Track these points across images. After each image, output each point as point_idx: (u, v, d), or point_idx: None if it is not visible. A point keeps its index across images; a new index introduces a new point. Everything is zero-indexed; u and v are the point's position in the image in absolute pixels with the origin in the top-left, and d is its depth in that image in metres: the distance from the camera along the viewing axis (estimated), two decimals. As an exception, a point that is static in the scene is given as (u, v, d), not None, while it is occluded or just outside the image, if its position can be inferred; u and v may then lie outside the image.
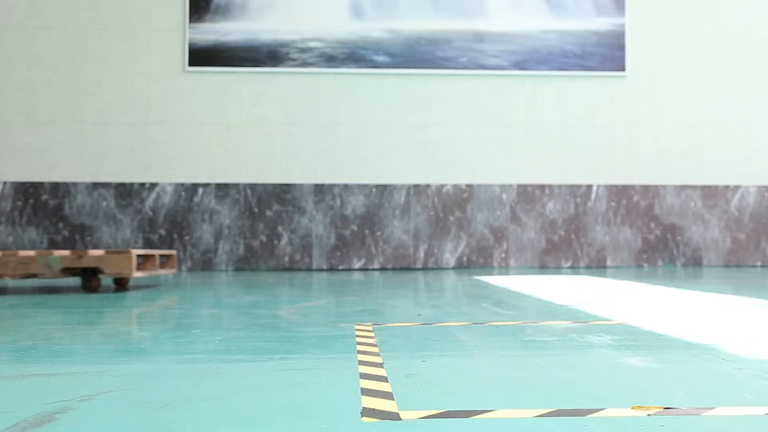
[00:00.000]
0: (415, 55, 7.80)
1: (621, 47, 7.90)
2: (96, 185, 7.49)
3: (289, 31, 7.73)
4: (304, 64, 7.70)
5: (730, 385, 1.48)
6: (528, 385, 1.48)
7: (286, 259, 7.56)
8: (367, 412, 1.25)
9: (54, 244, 7.41)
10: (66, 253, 4.05)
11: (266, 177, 7.61)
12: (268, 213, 7.56)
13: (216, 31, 7.65)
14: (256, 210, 7.55)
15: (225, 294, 4.01)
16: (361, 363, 1.74)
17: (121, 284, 4.48)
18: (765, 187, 7.97)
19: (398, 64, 7.79)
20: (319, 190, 7.60)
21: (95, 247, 7.44)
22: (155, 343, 2.10)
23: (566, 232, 7.81)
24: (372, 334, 2.29)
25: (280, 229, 7.57)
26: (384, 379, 1.55)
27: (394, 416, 1.21)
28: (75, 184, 7.47)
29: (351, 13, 7.78)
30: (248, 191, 7.55)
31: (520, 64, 7.87)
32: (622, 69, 7.90)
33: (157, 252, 4.54)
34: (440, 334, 2.30)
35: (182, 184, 7.52)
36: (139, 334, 2.28)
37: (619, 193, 7.86)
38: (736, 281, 5.02)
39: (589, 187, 7.85)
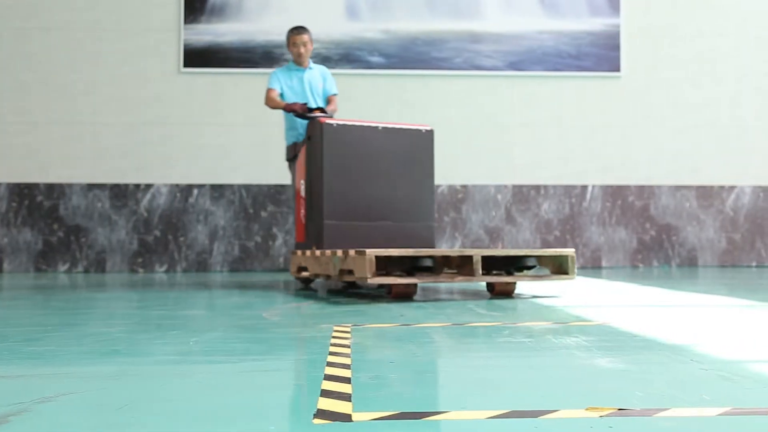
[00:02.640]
0: (410, 55, 7.81)
1: (616, 48, 7.90)
2: (91, 186, 7.50)
3: (284, 32, 7.73)
4: (299, 65, 7.69)
5: (690, 385, 1.48)
6: (489, 386, 1.48)
7: (281, 260, 7.57)
8: (320, 413, 1.25)
9: (49, 246, 7.42)
10: (339, 253, 3.72)
11: (261, 178, 7.62)
12: (263, 214, 7.57)
13: (211, 32, 7.66)
14: (251, 211, 7.55)
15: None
16: (329, 364, 1.75)
17: (493, 290, 3.79)
18: (760, 187, 7.96)
19: (393, 64, 7.80)
20: (314, 190, 7.59)
21: (90, 248, 7.44)
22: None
23: (561, 232, 7.80)
24: (349, 335, 2.29)
25: (275, 230, 7.57)
26: (348, 380, 1.55)
27: (346, 418, 1.22)
28: (70, 185, 7.48)
29: (346, 14, 7.79)
30: (243, 192, 7.55)
31: (516, 65, 7.87)
32: (617, 69, 7.90)
33: (461, 251, 3.57)
34: (417, 335, 2.30)
35: (177, 185, 7.53)
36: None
37: (614, 193, 7.85)
38: (730, 281, 5.01)
39: (584, 187, 7.84)
